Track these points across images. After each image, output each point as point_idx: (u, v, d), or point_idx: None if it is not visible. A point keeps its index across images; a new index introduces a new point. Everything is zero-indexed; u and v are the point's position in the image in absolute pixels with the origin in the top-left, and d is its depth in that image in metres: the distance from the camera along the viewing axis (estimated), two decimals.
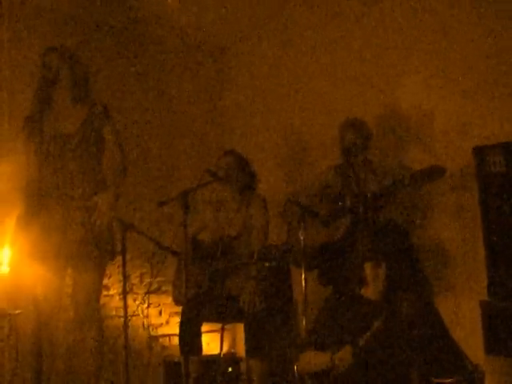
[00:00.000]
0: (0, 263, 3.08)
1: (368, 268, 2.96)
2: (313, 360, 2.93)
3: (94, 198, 3.52)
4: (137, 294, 5.03)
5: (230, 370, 4.82)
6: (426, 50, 4.37)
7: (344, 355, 2.77)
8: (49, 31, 4.73)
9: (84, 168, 3.56)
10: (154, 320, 5.12)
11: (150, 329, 4.98)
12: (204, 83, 5.69)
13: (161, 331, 5.14)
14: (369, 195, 3.83)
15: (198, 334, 4.14)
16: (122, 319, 4.37)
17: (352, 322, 2.88)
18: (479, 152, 3.79)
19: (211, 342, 4.77)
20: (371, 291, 2.98)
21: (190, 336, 4.06)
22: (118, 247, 3.68)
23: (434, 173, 3.69)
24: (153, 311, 5.11)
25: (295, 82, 5.22)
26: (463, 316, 3.88)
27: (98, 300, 3.65)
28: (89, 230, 3.49)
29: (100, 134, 3.62)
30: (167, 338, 5.10)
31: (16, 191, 3.49)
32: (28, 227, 3.46)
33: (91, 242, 3.49)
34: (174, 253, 3.96)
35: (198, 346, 4.13)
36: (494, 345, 3.47)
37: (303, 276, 3.79)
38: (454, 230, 4.13)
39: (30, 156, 3.56)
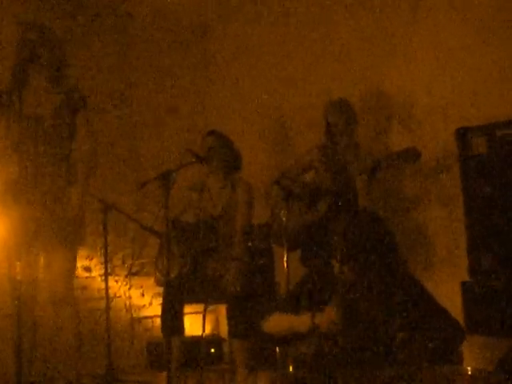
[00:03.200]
0: None
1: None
2: (284, 322, 2.88)
3: (66, 189, 3.52)
4: (119, 275, 5.02)
5: (212, 350, 4.83)
6: (409, 31, 4.36)
7: (326, 316, 2.74)
8: (22, 7, 4.66)
9: (55, 152, 3.53)
10: (137, 302, 5.11)
11: (133, 310, 4.97)
12: (187, 63, 5.64)
13: (143, 313, 5.13)
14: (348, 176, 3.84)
15: (181, 316, 4.13)
16: (105, 301, 4.41)
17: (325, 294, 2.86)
18: (462, 134, 3.80)
19: (194, 324, 4.76)
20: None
21: (172, 317, 4.05)
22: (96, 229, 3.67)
23: (410, 155, 3.70)
24: (135, 293, 5.11)
25: (278, 61, 5.19)
26: (444, 297, 3.88)
27: (71, 281, 3.65)
28: (59, 218, 3.48)
29: (73, 120, 3.59)
30: (150, 320, 5.09)
31: None
32: (3, 210, 3.44)
33: (61, 228, 3.48)
34: (156, 233, 3.95)
35: (181, 328, 4.12)
36: (474, 324, 3.50)
37: (285, 257, 3.80)
38: (435, 211, 4.15)
39: (1, 135, 3.51)
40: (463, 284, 3.62)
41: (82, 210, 3.62)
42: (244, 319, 3.99)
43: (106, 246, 4.38)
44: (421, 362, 2.59)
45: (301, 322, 2.81)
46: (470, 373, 2.62)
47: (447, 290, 3.91)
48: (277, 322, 2.93)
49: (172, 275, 4.06)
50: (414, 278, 2.91)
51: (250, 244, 4.00)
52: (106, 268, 4.50)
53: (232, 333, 4.02)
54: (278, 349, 3.91)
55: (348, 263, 2.76)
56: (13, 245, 3.41)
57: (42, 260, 3.61)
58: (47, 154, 3.52)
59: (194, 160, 3.96)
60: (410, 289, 2.80)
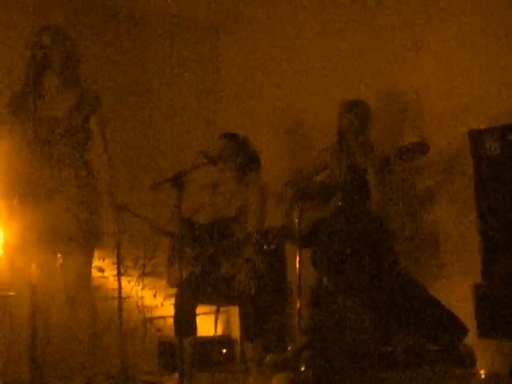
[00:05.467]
0: None
1: None
2: None
3: (82, 189, 3.53)
4: (131, 276, 5.03)
5: (224, 351, 4.85)
6: (422, 31, 4.36)
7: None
8: (38, 10, 4.68)
9: (71, 155, 3.55)
10: (149, 302, 5.12)
11: (145, 310, 4.98)
12: (199, 63, 5.64)
13: (156, 313, 5.14)
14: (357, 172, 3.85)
15: (193, 316, 4.14)
16: (117, 301, 4.44)
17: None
18: (475, 135, 3.80)
19: (206, 324, 4.78)
20: None
21: (184, 318, 4.06)
22: (109, 229, 3.67)
23: (418, 149, 3.69)
24: (147, 293, 5.12)
25: (292, 61, 5.20)
26: (456, 299, 3.89)
27: (88, 282, 3.67)
28: (76, 218, 3.49)
29: (88, 122, 3.60)
30: (162, 320, 5.10)
31: (4, 175, 3.48)
32: (20, 211, 3.46)
33: (78, 229, 3.49)
34: (169, 234, 3.96)
35: (193, 328, 4.14)
36: (486, 328, 3.49)
37: (298, 258, 3.81)
38: (448, 213, 4.14)
39: (18, 139, 3.53)
40: (475, 286, 3.61)
41: (99, 212, 3.64)
42: (257, 320, 4.00)
43: (118, 247, 4.40)
44: (422, 364, 2.60)
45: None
46: (483, 376, 2.62)
47: (458, 291, 3.91)
48: None
49: (184, 276, 4.09)
50: (412, 278, 2.91)
51: (265, 247, 4.00)
52: (118, 269, 4.53)
53: (245, 334, 4.03)
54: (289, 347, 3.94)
55: (328, 272, 2.78)
56: (29, 246, 3.45)
57: (58, 261, 3.63)
58: (64, 155, 3.54)
59: (206, 161, 3.98)
60: (408, 291, 2.81)
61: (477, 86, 4.05)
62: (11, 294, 3.08)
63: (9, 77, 4.20)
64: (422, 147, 3.70)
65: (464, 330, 2.84)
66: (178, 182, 3.44)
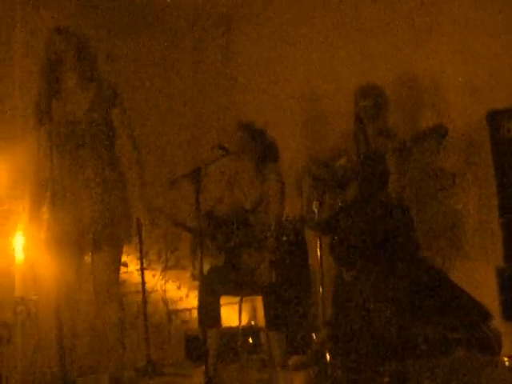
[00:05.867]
0: (13, 250, 3.10)
1: None
2: None
3: (108, 188, 3.54)
4: (155, 269, 5.06)
5: (250, 341, 4.87)
6: (439, 14, 4.30)
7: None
8: (55, 9, 4.69)
9: (94, 153, 3.55)
10: (173, 294, 5.16)
11: (169, 303, 5.02)
12: (214, 53, 5.62)
13: (180, 305, 5.18)
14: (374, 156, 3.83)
15: (217, 308, 4.17)
16: (141, 295, 4.49)
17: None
18: (493, 117, 3.75)
19: (230, 314, 4.80)
20: None
21: (208, 309, 4.09)
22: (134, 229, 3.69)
23: (437, 132, 3.65)
24: (172, 286, 5.16)
25: (306, 47, 5.16)
26: (480, 282, 3.86)
27: (117, 280, 3.69)
28: (103, 215, 3.51)
29: (109, 116, 3.60)
30: (187, 312, 5.14)
31: (26, 179, 3.50)
32: (42, 214, 3.49)
33: (107, 226, 3.51)
34: (189, 229, 3.98)
35: (217, 319, 4.16)
36: (511, 310, 3.46)
37: (319, 246, 3.81)
38: (469, 196, 4.10)
39: (39, 142, 3.55)
40: (498, 270, 3.58)
41: (128, 210, 3.64)
42: (280, 310, 4.02)
43: (140, 242, 4.45)
44: (445, 353, 2.59)
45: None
46: (507, 364, 2.60)
47: (481, 275, 3.88)
48: None
49: (207, 269, 4.11)
50: (433, 265, 2.89)
51: (284, 238, 4.01)
52: (141, 263, 4.58)
53: (268, 324, 4.05)
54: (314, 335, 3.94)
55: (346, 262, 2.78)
56: (55, 247, 3.48)
57: (85, 261, 3.66)
58: (88, 154, 3.54)
59: (223, 154, 3.98)
60: (429, 279, 2.79)
61: (494, 66, 3.99)
62: (35, 297, 3.11)
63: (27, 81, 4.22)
64: (439, 130, 3.66)
65: (487, 316, 2.82)
66: (195, 177, 3.45)
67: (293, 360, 2.83)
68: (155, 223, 3.78)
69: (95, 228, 3.48)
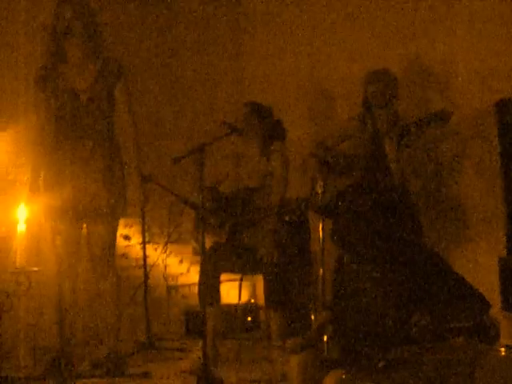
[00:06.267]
0: (16, 221, 3.12)
1: None
2: None
3: (106, 160, 3.54)
4: (158, 243, 5.07)
5: (249, 319, 4.90)
6: (449, 0, 4.24)
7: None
8: None
9: (95, 126, 3.56)
10: (175, 269, 5.18)
11: (170, 278, 5.03)
12: (222, 32, 5.59)
13: (181, 280, 5.19)
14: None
15: (217, 285, 4.18)
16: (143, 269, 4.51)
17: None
18: (502, 105, 3.72)
19: (230, 291, 4.82)
20: None
21: (208, 288, 4.10)
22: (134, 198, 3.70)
23: (441, 116, 3.63)
24: (173, 260, 5.17)
25: (317, 29, 5.11)
26: (481, 271, 3.87)
27: (113, 252, 3.72)
28: (100, 187, 3.52)
29: (112, 92, 3.60)
30: (187, 288, 5.16)
31: (29, 149, 3.51)
32: (43, 185, 3.51)
33: (103, 199, 3.53)
34: (192, 205, 3.97)
35: (217, 296, 4.18)
36: (510, 301, 3.47)
37: (321, 228, 3.81)
38: (473, 184, 4.09)
39: (42, 109, 3.55)
40: (500, 260, 3.58)
41: (124, 182, 3.67)
42: (280, 290, 4.03)
43: (143, 216, 4.45)
44: (442, 341, 2.59)
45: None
46: (503, 353, 2.60)
47: (483, 263, 3.88)
48: None
49: (207, 247, 4.12)
50: (434, 252, 2.88)
51: (286, 218, 4.00)
52: (143, 236, 4.59)
53: (268, 303, 4.07)
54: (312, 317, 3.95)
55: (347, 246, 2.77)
56: (55, 217, 3.50)
57: (84, 231, 3.68)
58: (88, 126, 3.55)
59: (229, 132, 3.97)
60: (430, 266, 2.78)
61: (504, 52, 3.95)
62: (36, 269, 3.14)
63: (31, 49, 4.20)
64: (442, 115, 3.63)
65: (486, 305, 2.81)
66: (200, 155, 3.44)
67: (290, 342, 2.83)
68: (148, 199, 3.81)
69: (93, 200, 3.50)
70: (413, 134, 3.77)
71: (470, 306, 2.71)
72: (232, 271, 4.31)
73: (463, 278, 2.80)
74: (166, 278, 4.97)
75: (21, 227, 3.05)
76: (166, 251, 4.99)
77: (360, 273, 2.84)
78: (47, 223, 3.53)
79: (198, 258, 4.60)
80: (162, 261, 4.94)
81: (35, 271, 3.14)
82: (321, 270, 3.80)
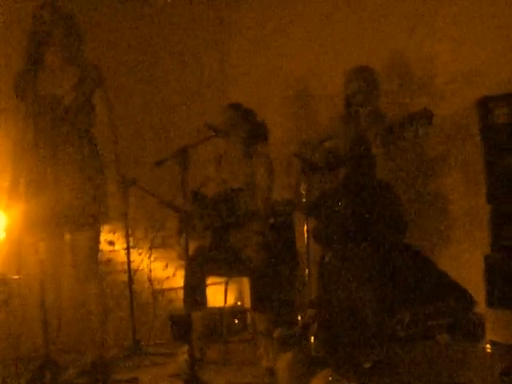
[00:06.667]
0: None
1: None
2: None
3: (86, 167, 3.52)
4: (142, 248, 5.04)
5: (236, 321, 4.87)
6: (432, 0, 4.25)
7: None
8: None
9: (74, 133, 3.53)
10: (160, 274, 5.15)
11: (156, 283, 5.01)
12: (206, 34, 5.56)
13: (167, 284, 5.17)
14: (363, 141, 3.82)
15: (203, 288, 4.16)
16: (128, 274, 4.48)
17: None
18: (484, 103, 3.73)
19: (217, 294, 4.79)
20: None
21: (194, 291, 4.08)
22: (115, 209, 3.67)
23: (423, 116, 3.63)
24: (159, 265, 5.14)
25: (299, 30, 5.11)
26: (465, 268, 3.87)
27: (96, 258, 3.69)
28: (81, 194, 3.49)
29: (91, 98, 3.57)
30: (173, 292, 5.13)
31: (4, 154, 3.47)
32: (23, 192, 3.47)
33: (84, 207, 3.49)
34: (176, 208, 3.95)
35: (203, 300, 4.16)
36: (496, 298, 3.47)
37: (306, 229, 3.80)
38: (457, 182, 4.10)
39: (20, 116, 3.52)
40: (486, 258, 3.58)
41: (105, 189, 3.64)
42: (266, 292, 4.01)
43: (126, 222, 4.43)
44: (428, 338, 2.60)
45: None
46: (488, 350, 2.61)
47: (467, 260, 3.89)
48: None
49: (193, 249, 4.10)
50: (418, 251, 2.89)
51: (271, 220, 3.99)
52: (127, 242, 4.56)
53: (254, 305, 4.05)
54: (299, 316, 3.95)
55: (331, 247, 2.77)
56: (36, 226, 3.46)
57: (66, 239, 3.65)
58: (68, 133, 3.52)
59: (212, 134, 3.95)
60: (414, 264, 2.79)
61: (488, 51, 3.97)
62: (17, 277, 3.10)
63: (9, 54, 4.16)
64: (425, 115, 3.63)
65: (470, 302, 2.82)
66: (182, 158, 3.42)
67: (278, 332, 2.83)
68: (128, 201, 3.79)
69: (75, 207, 3.47)
70: (395, 134, 3.77)
71: (454, 303, 2.72)
72: (217, 274, 4.29)
73: (447, 275, 2.80)
74: (151, 283, 4.94)
75: (0, 235, 3.01)
76: (150, 256, 4.97)
77: (342, 270, 2.84)
78: (29, 230, 3.49)
79: (183, 262, 4.57)
80: (147, 265, 4.91)
81: (15, 279, 3.10)
82: (306, 270, 3.79)
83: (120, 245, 4.93)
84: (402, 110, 4.42)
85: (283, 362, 2.88)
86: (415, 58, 4.35)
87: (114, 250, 4.92)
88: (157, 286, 5.03)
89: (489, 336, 3.21)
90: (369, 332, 2.63)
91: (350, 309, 2.74)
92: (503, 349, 2.75)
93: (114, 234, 4.87)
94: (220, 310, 4.60)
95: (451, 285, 2.79)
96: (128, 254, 4.55)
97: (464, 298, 2.78)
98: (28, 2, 3.76)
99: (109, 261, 4.84)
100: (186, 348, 3.63)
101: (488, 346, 2.64)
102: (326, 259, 2.91)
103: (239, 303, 5.18)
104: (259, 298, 4.01)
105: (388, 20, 4.50)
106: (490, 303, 3.44)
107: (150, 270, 4.95)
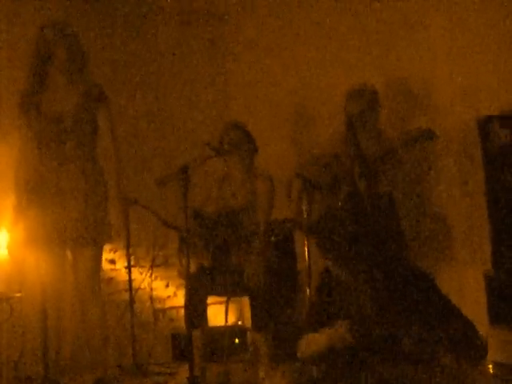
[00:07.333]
0: None
1: None
2: (312, 342, 2.92)
3: (89, 186, 3.53)
4: (144, 267, 5.02)
5: (236, 341, 4.85)
6: (430, 16, 4.28)
7: (341, 332, 2.76)
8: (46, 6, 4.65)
9: (77, 151, 3.54)
10: (161, 293, 5.12)
11: (157, 301, 4.99)
12: (204, 53, 5.58)
13: (168, 303, 5.14)
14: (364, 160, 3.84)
15: (204, 307, 4.16)
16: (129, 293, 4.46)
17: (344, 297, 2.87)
18: (484, 123, 3.74)
19: (217, 314, 4.78)
20: None
21: (194, 309, 4.07)
22: (117, 227, 3.67)
23: (425, 135, 3.66)
24: (160, 284, 5.12)
25: (296, 48, 5.14)
26: (467, 287, 3.87)
27: (98, 277, 3.69)
28: (83, 213, 3.50)
29: (94, 116, 3.59)
30: (175, 311, 5.11)
31: (11, 173, 3.49)
32: (26, 210, 3.47)
33: (86, 226, 3.50)
34: (176, 228, 3.96)
35: (203, 319, 4.15)
36: (498, 316, 3.46)
37: (306, 248, 3.80)
38: (458, 201, 4.10)
39: (24, 136, 3.54)
40: (487, 277, 3.58)
41: (106, 207, 3.64)
42: (267, 312, 4.00)
43: (128, 241, 4.42)
44: (432, 359, 2.59)
45: (322, 339, 2.83)
46: (491, 371, 2.60)
47: (468, 279, 3.89)
48: (307, 343, 2.95)
49: (194, 268, 4.09)
50: (420, 269, 2.89)
51: (272, 239, 3.99)
52: (128, 260, 4.55)
53: (255, 325, 4.04)
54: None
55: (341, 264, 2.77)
56: (38, 245, 3.46)
57: (68, 258, 3.65)
58: (71, 151, 3.54)
59: (213, 154, 3.97)
60: (415, 283, 2.78)
61: (487, 70, 3.99)
62: (18, 295, 3.10)
63: (13, 74, 4.19)
64: (428, 134, 3.66)
65: (469, 325, 2.82)
66: (183, 176, 3.43)
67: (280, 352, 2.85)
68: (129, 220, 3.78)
69: (77, 226, 3.47)
70: (398, 152, 3.79)
71: (457, 323, 2.72)
72: (218, 294, 4.29)
73: (447, 298, 2.81)
74: (152, 302, 4.92)
75: (2, 253, 3.01)
76: (151, 275, 4.96)
77: (348, 284, 2.84)
78: (31, 248, 3.49)
79: (184, 281, 4.56)
80: (148, 284, 4.90)
81: (17, 297, 3.10)
82: (307, 290, 3.78)
83: (121, 263, 4.91)
84: (402, 128, 4.44)
85: (284, 382, 2.87)
86: (415, 77, 4.37)
87: (115, 269, 4.91)
88: (158, 305, 5.01)
89: (491, 357, 3.20)
90: (374, 348, 2.62)
91: (355, 323, 2.74)
92: (506, 370, 2.73)
93: (115, 252, 4.86)
94: (221, 330, 4.58)
95: (452, 307, 2.79)
96: (129, 272, 4.54)
97: (462, 320, 2.77)
98: (32, 22, 3.80)
99: (110, 279, 4.82)
100: (186, 367, 3.62)
101: (490, 366, 2.63)
102: (325, 264, 2.91)
103: (240, 322, 5.15)
104: (260, 318, 4.01)
105: (386, 39, 4.53)
106: (492, 322, 3.44)
107: (152, 289, 4.93)
